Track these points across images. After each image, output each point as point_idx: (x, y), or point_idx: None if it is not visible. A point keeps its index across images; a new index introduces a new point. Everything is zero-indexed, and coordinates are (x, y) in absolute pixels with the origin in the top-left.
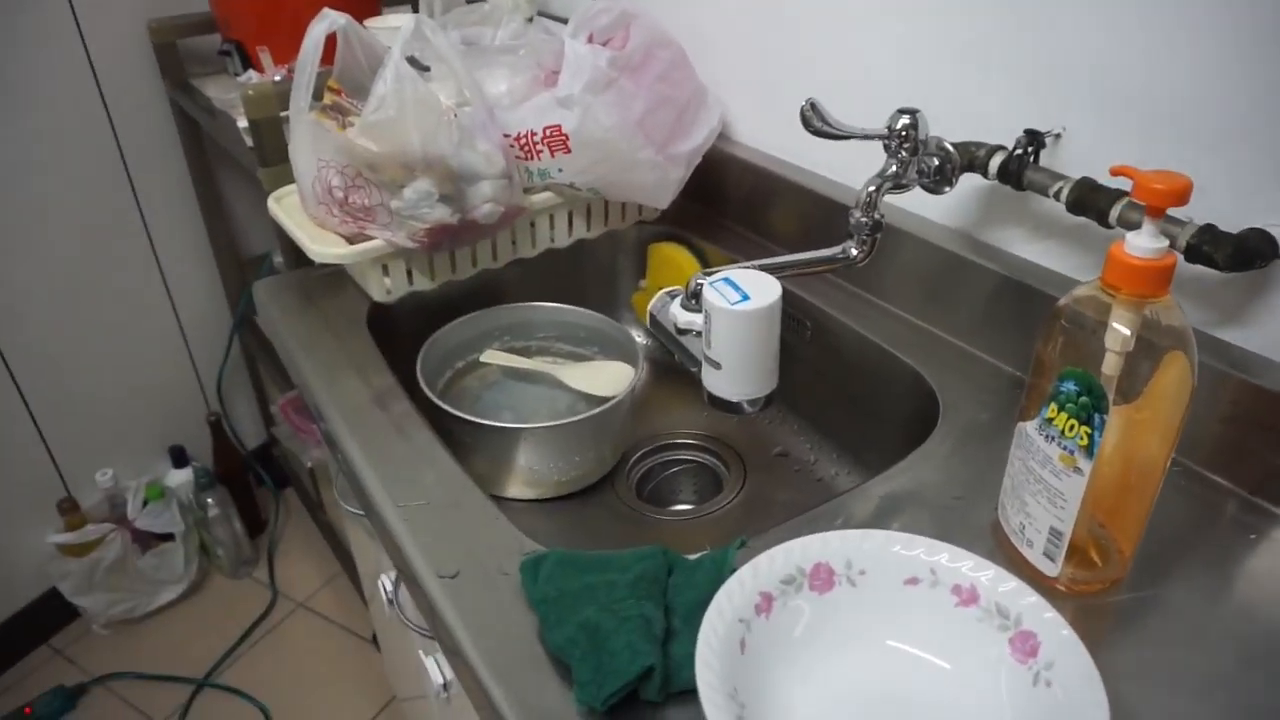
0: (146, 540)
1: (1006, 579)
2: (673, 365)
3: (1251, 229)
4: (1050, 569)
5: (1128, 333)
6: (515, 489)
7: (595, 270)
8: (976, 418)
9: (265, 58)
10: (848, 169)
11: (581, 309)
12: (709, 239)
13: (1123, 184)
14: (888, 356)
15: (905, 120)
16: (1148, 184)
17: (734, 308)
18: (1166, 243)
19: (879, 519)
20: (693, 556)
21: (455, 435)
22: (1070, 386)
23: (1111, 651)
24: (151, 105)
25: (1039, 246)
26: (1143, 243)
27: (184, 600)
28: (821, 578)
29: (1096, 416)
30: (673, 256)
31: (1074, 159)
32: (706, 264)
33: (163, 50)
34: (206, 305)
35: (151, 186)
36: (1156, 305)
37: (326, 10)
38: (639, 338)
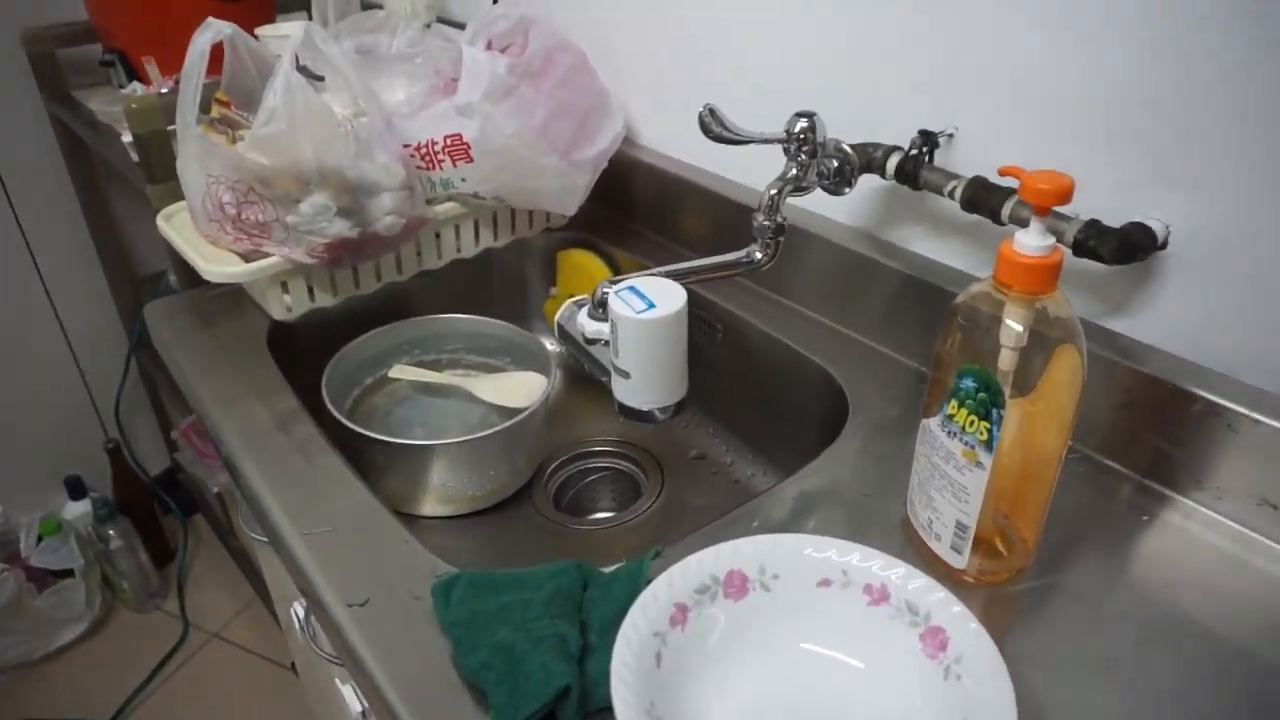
0: (43, 578)
1: (916, 576)
2: (587, 373)
3: (1133, 223)
4: (958, 562)
5: (1020, 329)
6: (430, 507)
7: (504, 279)
8: (885, 414)
9: (151, 68)
10: (752, 171)
11: (491, 319)
12: (619, 244)
13: (1013, 182)
14: (797, 357)
15: (803, 123)
16: (1033, 184)
17: (639, 316)
18: (1053, 240)
19: (794, 519)
20: (608, 569)
21: (365, 455)
22: (969, 383)
23: (1018, 638)
24: (29, 119)
25: (938, 244)
26: (1030, 241)
27: (87, 639)
28: (735, 585)
29: (994, 411)
30: (583, 263)
31: (967, 158)
32: (617, 269)
33: (39, 61)
34: (100, 327)
35: (32, 205)
36: (1047, 300)
37: (211, 20)
38: (551, 346)
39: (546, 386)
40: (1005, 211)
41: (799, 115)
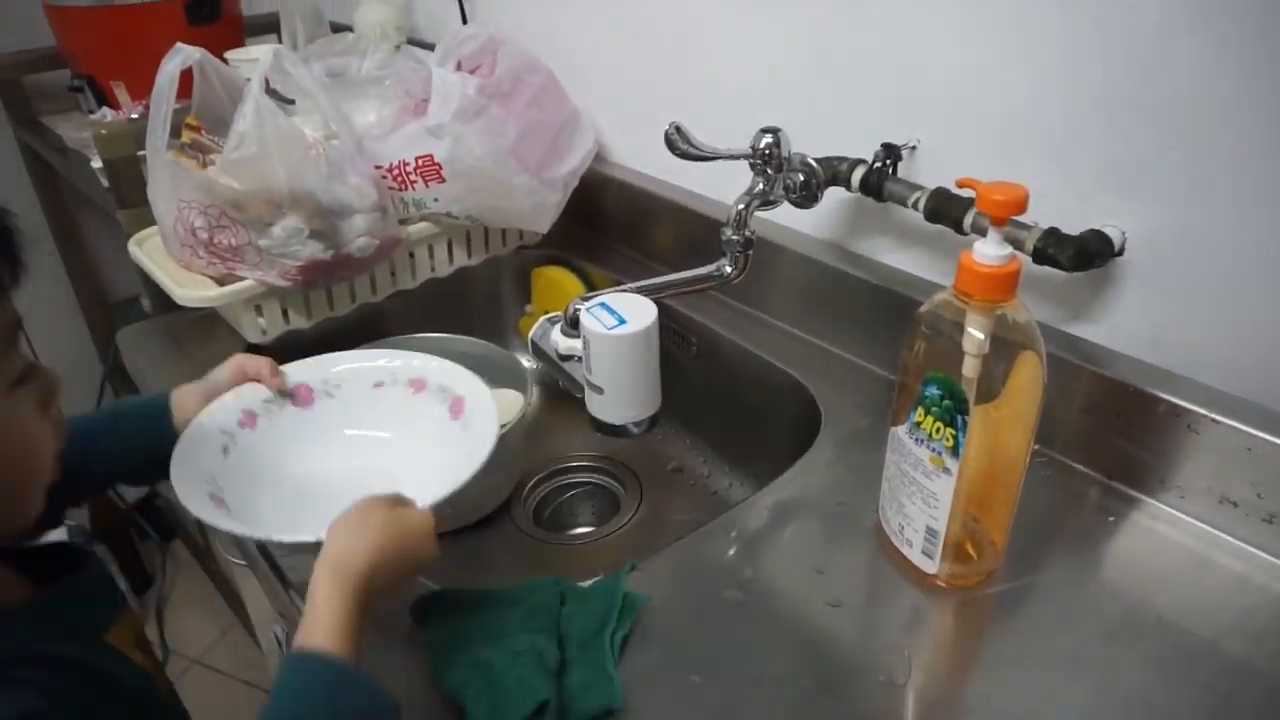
0: None
1: (454, 369)
2: (562, 388)
3: (1091, 230)
4: (930, 566)
5: (981, 336)
6: None
7: (480, 298)
8: (856, 424)
9: (121, 93)
10: (721, 186)
11: (468, 338)
12: (592, 260)
13: (972, 193)
14: (770, 368)
15: (768, 139)
16: (988, 195)
17: (610, 332)
18: (1010, 250)
19: (770, 528)
20: (585, 584)
21: None
22: (934, 391)
23: (990, 640)
24: None
25: (904, 254)
26: (989, 250)
27: None
28: (302, 396)
29: (959, 418)
30: (557, 280)
31: (930, 170)
32: (591, 285)
33: (6, 87)
34: (74, 353)
35: None
36: (1007, 307)
37: (180, 45)
38: (527, 363)
39: (524, 404)
40: (967, 221)
41: (764, 131)
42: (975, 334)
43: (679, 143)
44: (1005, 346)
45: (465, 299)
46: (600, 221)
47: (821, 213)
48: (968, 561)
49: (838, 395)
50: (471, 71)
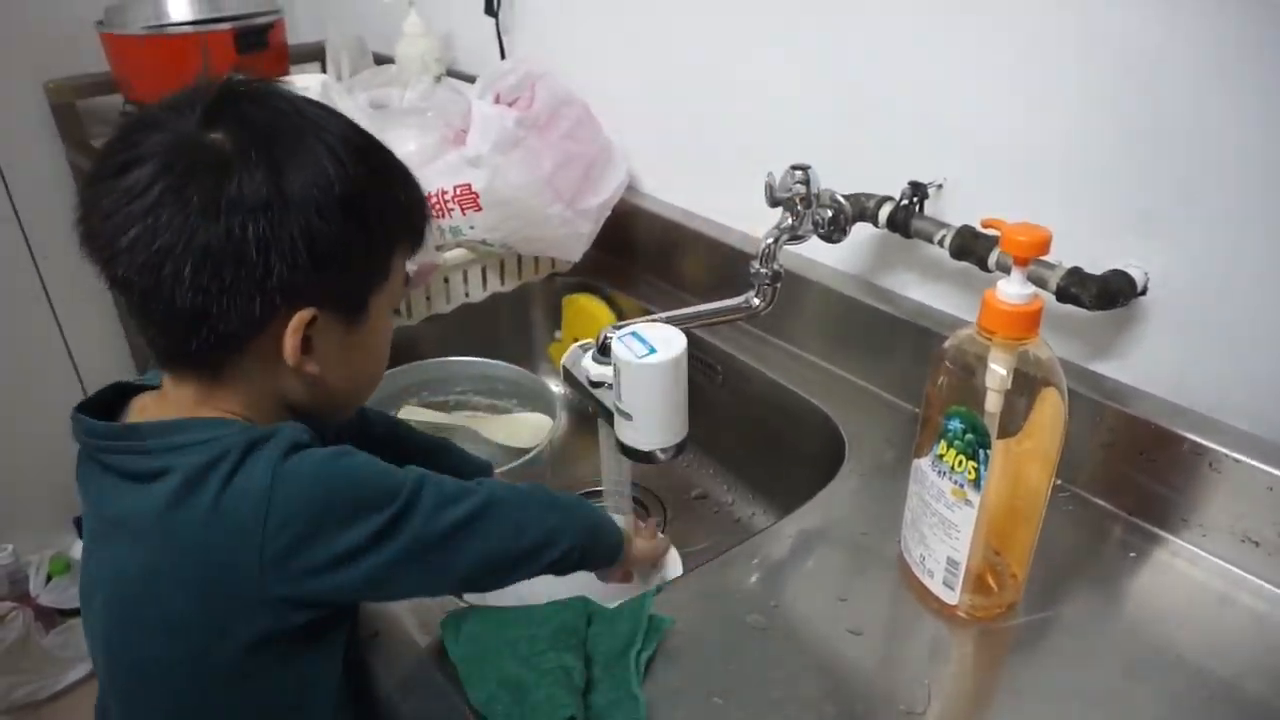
0: (51, 617)
1: None
2: (590, 413)
3: (1113, 270)
4: (950, 597)
5: (1004, 372)
6: None
7: (511, 323)
8: (880, 455)
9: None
10: (748, 217)
11: (499, 362)
12: (622, 289)
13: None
14: (796, 398)
15: (798, 176)
16: (1013, 236)
17: (641, 361)
18: (1033, 289)
19: (793, 555)
20: (612, 605)
21: None
22: (956, 424)
23: (1010, 672)
24: (49, 166)
25: (929, 289)
26: (1012, 290)
27: (94, 678)
28: None
29: (981, 451)
30: (587, 307)
31: (956, 207)
32: (620, 313)
33: (61, 111)
34: (115, 369)
35: (50, 250)
36: (1029, 344)
37: (231, 74)
38: (556, 388)
39: (552, 427)
40: (992, 259)
41: (794, 168)
42: (998, 370)
43: (773, 194)
44: (1027, 382)
45: (497, 324)
46: (630, 251)
47: (849, 247)
48: (989, 594)
49: (862, 426)
50: (510, 104)
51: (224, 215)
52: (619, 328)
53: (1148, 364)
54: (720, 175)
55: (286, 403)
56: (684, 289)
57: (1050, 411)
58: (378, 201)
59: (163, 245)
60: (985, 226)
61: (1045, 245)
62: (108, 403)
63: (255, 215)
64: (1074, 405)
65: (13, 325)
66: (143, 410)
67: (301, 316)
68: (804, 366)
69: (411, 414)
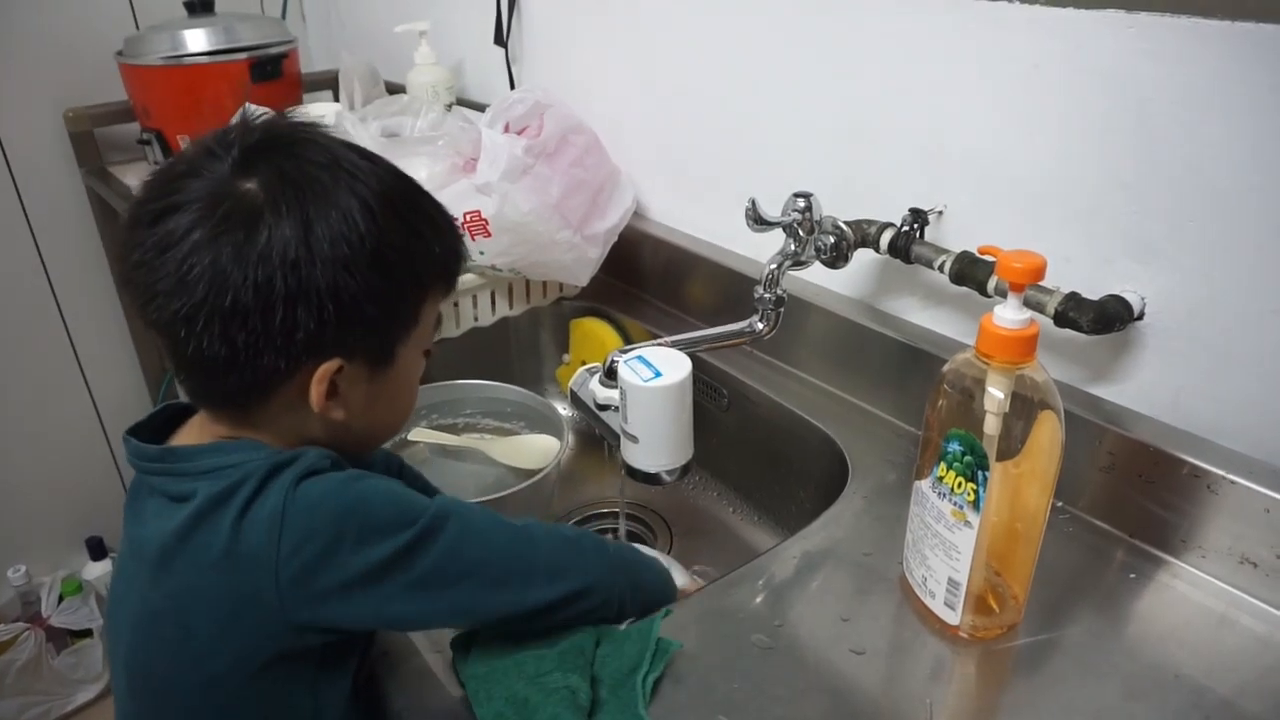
0: (62, 638)
1: None
2: (598, 436)
3: (1110, 295)
4: (951, 618)
5: (1001, 396)
6: None
7: (520, 346)
8: (883, 477)
9: (187, 147)
10: (753, 243)
11: (507, 385)
12: (629, 313)
13: None
14: (800, 421)
15: (801, 203)
16: (1008, 263)
17: (646, 384)
18: (1029, 315)
19: (797, 576)
20: (620, 627)
21: None
22: (956, 446)
23: (1011, 692)
24: (66, 193)
25: (930, 314)
26: (1008, 315)
27: (104, 699)
28: None
29: (980, 474)
30: (594, 331)
31: (957, 233)
32: (627, 337)
33: (79, 139)
34: (126, 392)
35: (66, 273)
36: (1027, 368)
37: (248, 104)
38: (564, 410)
39: (559, 449)
40: (991, 285)
41: (797, 195)
42: (995, 393)
43: (756, 215)
44: (1025, 405)
45: (506, 348)
46: (637, 276)
47: (851, 272)
48: (989, 614)
49: (865, 449)
50: (519, 132)
51: (253, 269)
52: (625, 352)
53: (1145, 387)
54: (724, 201)
55: (311, 441)
56: (689, 313)
57: (1048, 434)
58: (409, 253)
59: (193, 297)
60: (982, 253)
61: (1040, 272)
62: (158, 425)
63: (283, 270)
64: (1073, 428)
65: (29, 349)
66: (187, 434)
67: (327, 368)
68: (807, 389)
69: (421, 436)
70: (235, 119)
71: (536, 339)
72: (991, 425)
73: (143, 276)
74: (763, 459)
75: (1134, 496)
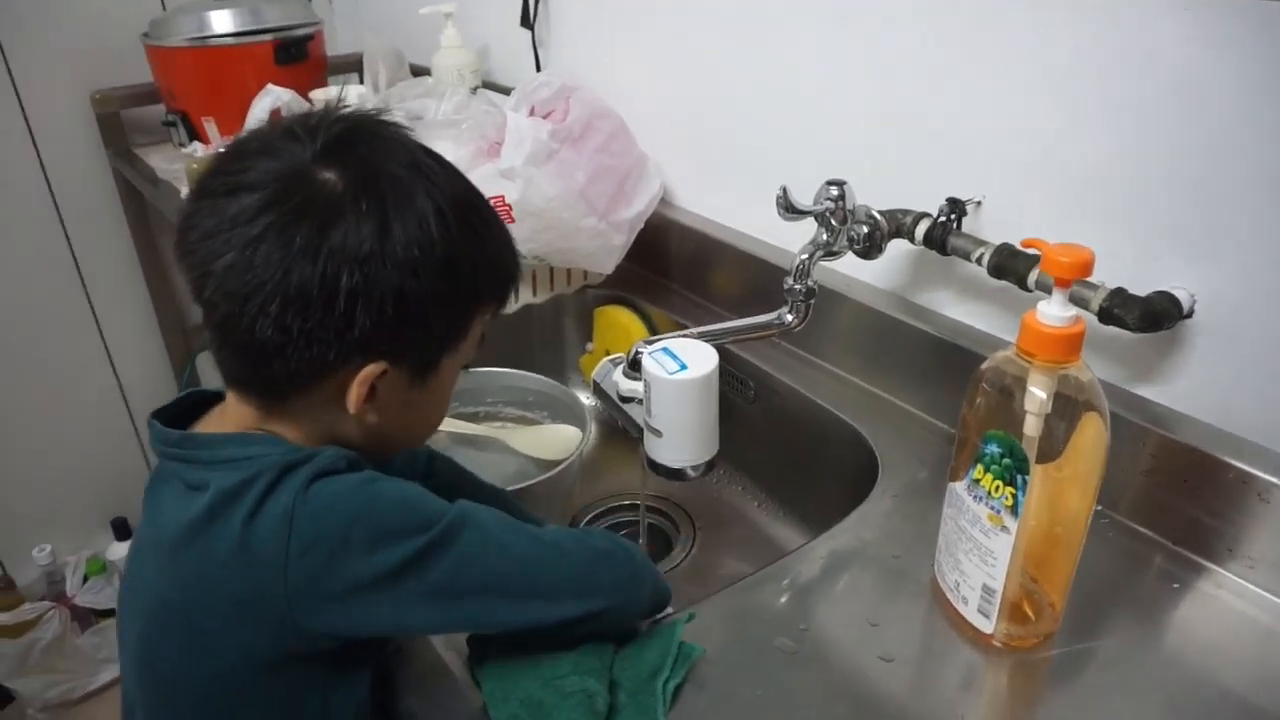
0: (87, 617)
1: None
2: (620, 427)
3: (1158, 292)
4: (985, 625)
5: (1044, 396)
6: None
7: (543, 335)
8: (914, 476)
9: (211, 128)
10: (782, 232)
11: (529, 374)
12: (654, 301)
13: None
14: (829, 416)
15: (834, 191)
16: (1054, 257)
17: (672, 377)
18: (1075, 311)
19: (824, 578)
20: (641, 629)
21: None
22: (994, 448)
23: (1048, 705)
24: (93, 174)
25: (965, 307)
26: (1053, 311)
27: None
28: None
29: (1019, 477)
30: (619, 319)
31: (995, 225)
32: (652, 326)
33: (105, 120)
34: (152, 373)
35: (93, 255)
36: (1071, 367)
37: (270, 86)
38: (586, 399)
39: (581, 440)
40: (1031, 278)
41: (830, 183)
42: (1037, 393)
43: (788, 203)
44: (1068, 406)
45: (529, 336)
46: (662, 264)
47: (884, 263)
48: (1025, 622)
49: (896, 446)
50: (545, 116)
51: (324, 260)
52: (650, 343)
53: (1193, 388)
54: (754, 189)
55: (339, 439)
56: (716, 302)
57: (1092, 436)
58: (472, 265)
59: (256, 278)
60: (1026, 246)
61: (1088, 267)
62: (184, 410)
63: (354, 266)
64: (1115, 429)
65: (55, 329)
66: (208, 422)
67: (371, 370)
68: (836, 383)
69: (443, 425)
70: (258, 100)
71: (560, 327)
72: (1032, 426)
73: (206, 248)
74: (789, 454)
75: (1178, 502)
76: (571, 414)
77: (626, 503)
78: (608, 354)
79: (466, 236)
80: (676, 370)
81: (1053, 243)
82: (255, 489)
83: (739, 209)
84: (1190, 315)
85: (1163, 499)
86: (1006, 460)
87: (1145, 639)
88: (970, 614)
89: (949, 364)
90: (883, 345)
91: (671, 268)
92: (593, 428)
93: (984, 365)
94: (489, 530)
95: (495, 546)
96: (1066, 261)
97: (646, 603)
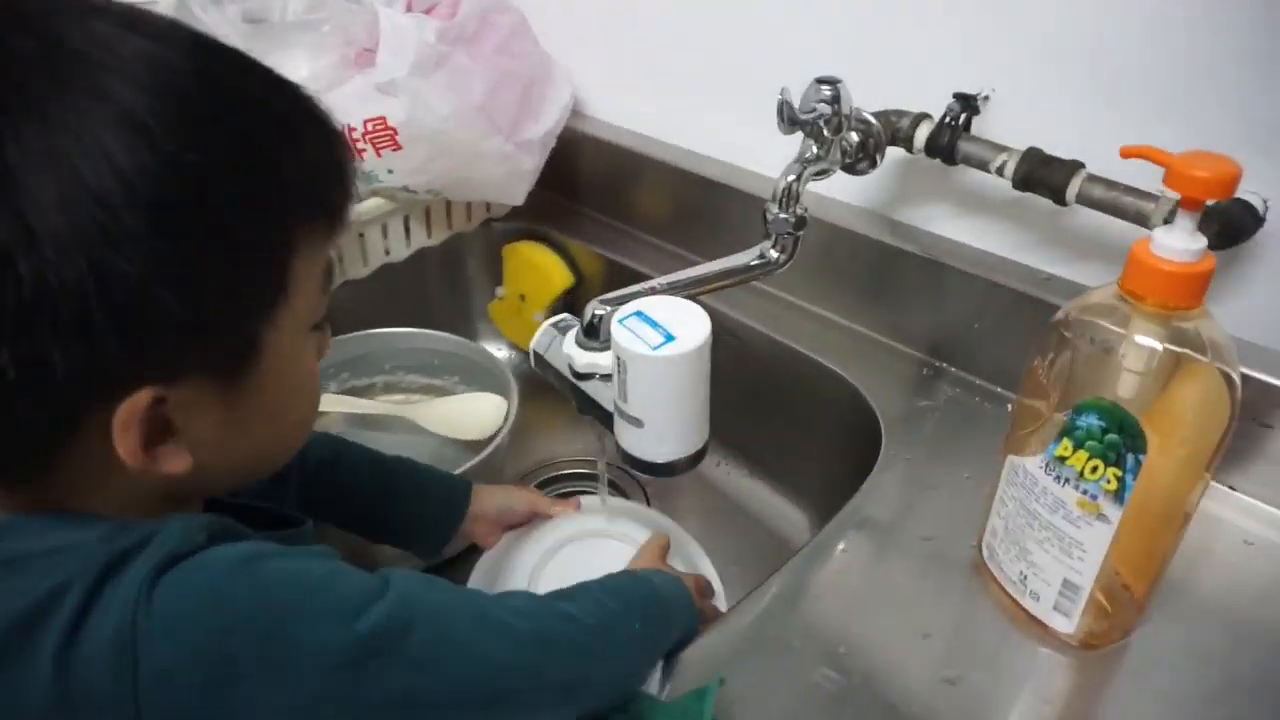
0: None
1: None
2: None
3: (1234, 200)
4: (1065, 625)
5: (1158, 346)
6: (386, 562)
7: (442, 283)
8: (920, 428)
9: None
10: (715, 140)
11: (431, 331)
12: (570, 232)
13: (1078, 153)
14: (810, 364)
15: (826, 92)
16: (1185, 170)
17: (658, 354)
18: (1204, 242)
19: (850, 580)
20: (664, 700)
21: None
22: (1093, 421)
23: (1119, 708)
24: None
25: (963, 223)
26: (1177, 243)
27: None
28: None
29: (1130, 457)
30: (533, 258)
31: (1010, 126)
32: (572, 262)
33: None
34: None
35: None
36: (1191, 316)
37: None
38: (500, 352)
39: (506, 410)
40: (1071, 191)
41: (820, 82)
42: (1146, 343)
43: (791, 114)
44: (1177, 364)
45: (426, 285)
46: (575, 186)
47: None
48: (1105, 617)
49: (890, 391)
50: (427, 11)
51: None
52: (612, 302)
53: (1262, 313)
54: (690, 92)
55: (166, 496)
56: (645, 229)
57: (1213, 400)
58: (240, 188)
59: None
60: (1127, 155)
61: (1232, 184)
62: None
63: None
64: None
65: None
66: None
67: (132, 405)
68: (811, 322)
69: (330, 404)
70: None
71: (462, 271)
72: (1130, 386)
73: None
74: (766, 409)
75: (1254, 445)
76: (490, 377)
77: (569, 471)
78: (522, 299)
79: (208, 146)
80: (661, 344)
81: (1178, 152)
82: (65, 607)
83: (661, 114)
84: (1262, 223)
85: (1237, 446)
86: (1111, 436)
87: (1236, 625)
88: (1043, 612)
89: (938, 287)
90: (870, 275)
91: (587, 190)
92: (516, 392)
93: (1068, 311)
94: (445, 623)
95: (454, 648)
96: (1205, 176)
97: (659, 656)
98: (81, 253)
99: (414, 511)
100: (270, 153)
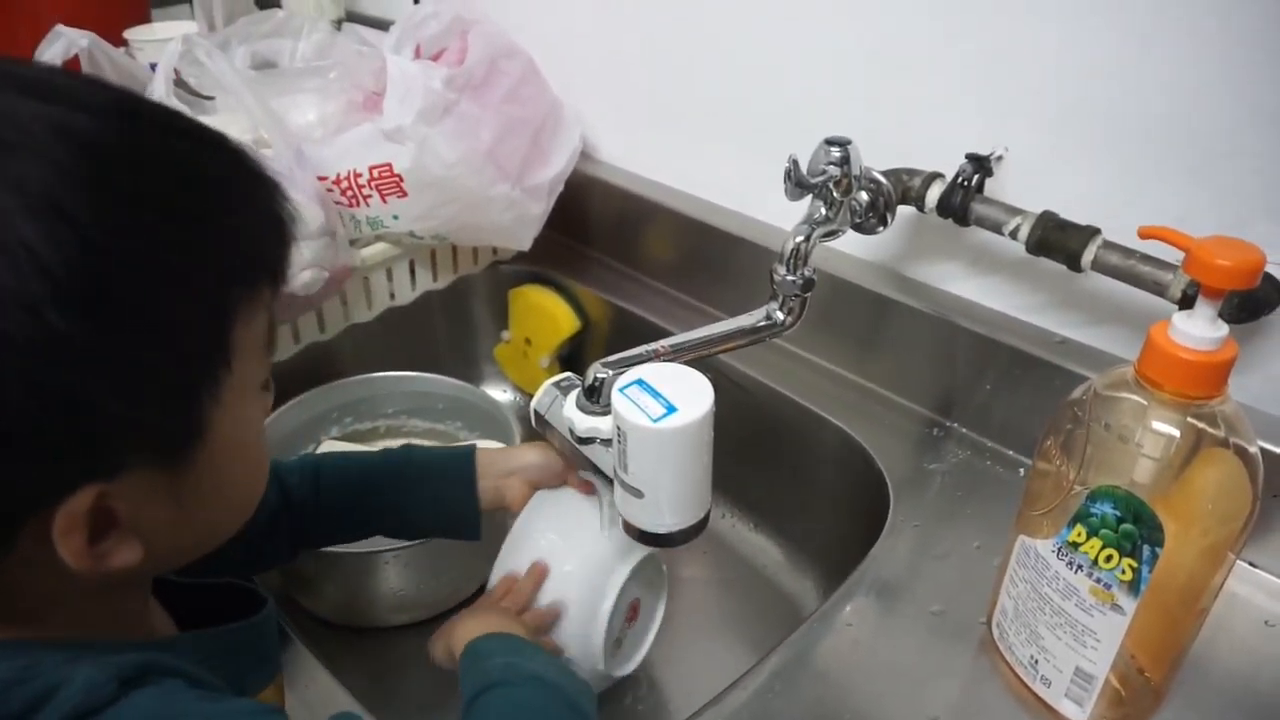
0: None
1: None
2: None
3: None
4: (1077, 714)
5: (1176, 434)
6: (380, 617)
7: (448, 326)
8: (927, 491)
9: None
10: (725, 187)
11: (435, 375)
12: (577, 276)
13: (1092, 216)
14: (814, 418)
15: (835, 153)
16: (1208, 258)
17: (659, 426)
18: (1225, 330)
19: (858, 657)
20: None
21: (291, 565)
22: (1108, 509)
23: None
24: None
25: (974, 283)
26: (1198, 330)
27: None
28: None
29: (1146, 549)
30: (540, 302)
31: (1025, 187)
32: (579, 307)
33: None
34: None
35: None
36: (1210, 402)
37: (60, 28)
38: (505, 395)
39: None
40: (1087, 257)
41: (829, 143)
42: (1166, 429)
43: (798, 177)
44: (1200, 444)
45: (431, 329)
46: (583, 230)
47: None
48: (1119, 705)
49: (899, 453)
50: (434, 58)
51: None
52: (614, 366)
53: (1274, 384)
54: (699, 138)
55: (105, 583)
56: (652, 275)
57: (1232, 485)
58: (172, 263)
59: None
60: (1145, 236)
61: (1255, 274)
62: None
63: None
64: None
65: None
66: None
67: (71, 511)
68: (818, 376)
69: (332, 448)
70: (44, 47)
71: (468, 315)
72: (1145, 471)
73: None
74: (775, 465)
75: (1274, 520)
76: (492, 422)
77: None
78: (528, 342)
79: (125, 219)
80: (663, 415)
81: (1202, 237)
82: None
83: (671, 161)
84: None
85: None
86: (1126, 526)
87: (1251, 698)
88: (1053, 698)
89: (952, 348)
90: (879, 331)
91: (595, 234)
92: (519, 438)
93: (1081, 391)
94: None
95: None
96: (1228, 266)
97: None
98: (8, 364)
99: (428, 496)
100: (203, 222)
